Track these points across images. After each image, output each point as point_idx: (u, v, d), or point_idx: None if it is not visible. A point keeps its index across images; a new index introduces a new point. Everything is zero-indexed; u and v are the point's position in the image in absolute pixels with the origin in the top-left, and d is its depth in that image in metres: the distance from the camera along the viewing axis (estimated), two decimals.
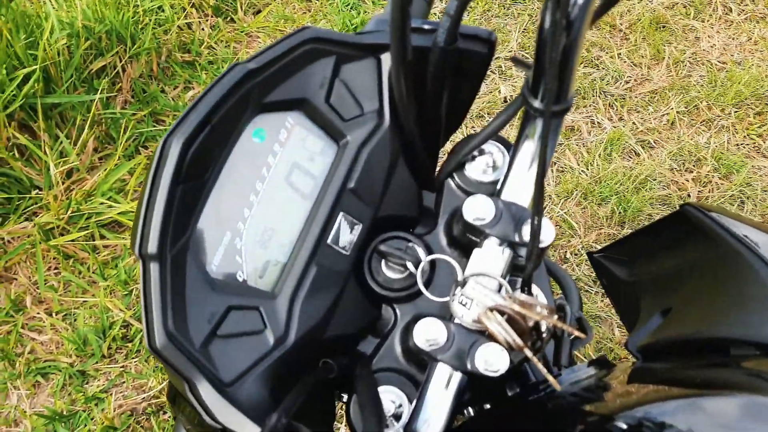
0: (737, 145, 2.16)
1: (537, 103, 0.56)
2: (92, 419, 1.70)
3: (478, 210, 0.56)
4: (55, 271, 1.96)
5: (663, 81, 2.30)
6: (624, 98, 2.28)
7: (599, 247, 1.94)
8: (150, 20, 2.42)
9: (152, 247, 0.52)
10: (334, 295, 0.59)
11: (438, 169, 0.67)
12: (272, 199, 0.59)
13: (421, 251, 0.61)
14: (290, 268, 0.58)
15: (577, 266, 1.94)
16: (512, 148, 0.61)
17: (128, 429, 1.70)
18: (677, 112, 2.21)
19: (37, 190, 2.04)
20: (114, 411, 1.71)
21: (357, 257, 0.61)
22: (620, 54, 2.37)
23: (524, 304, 0.54)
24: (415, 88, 0.59)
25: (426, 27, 0.59)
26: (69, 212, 1.97)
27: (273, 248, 0.59)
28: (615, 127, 2.18)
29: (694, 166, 2.11)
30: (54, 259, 1.96)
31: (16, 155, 2.06)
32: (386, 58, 0.61)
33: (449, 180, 0.65)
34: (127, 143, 2.18)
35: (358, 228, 0.61)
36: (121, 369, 1.78)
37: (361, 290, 0.62)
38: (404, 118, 0.60)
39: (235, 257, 0.58)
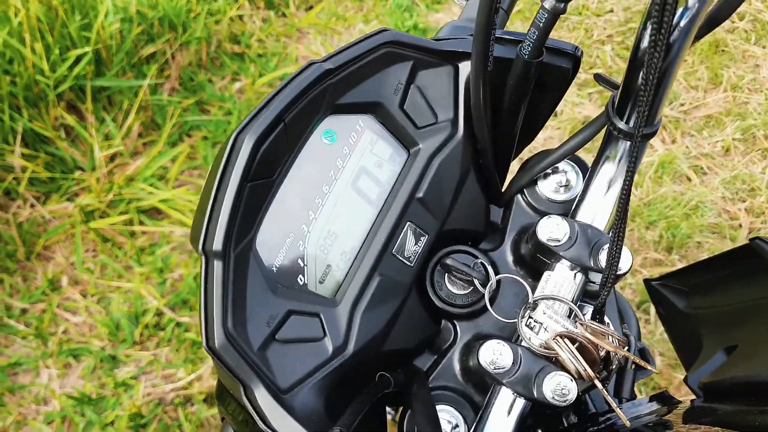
0: None
1: (622, 124, 0.54)
2: (120, 405, 1.70)
3: (553, 231, 0.54)
4: (93, 253, 1.96)
5: (719, 106, 2.24)
6: (678, 121, 2.23)
7: (645, 272, 1.89)
8: (202, 9, 2.42)
9: (217, 244, 0.50)
10: (396, 307, 0.57)
11: (507, 184, 0.64)
12: (337, 203, 0.57)
13: (490, 269, 0.58)
14: (352, 276, 0.56)
15: (620, 289, 1.89)
16: (590, 169, 0.58)
17: (155, 418, 1.69)
18: (733, 138, 2.15)
19: (80, 171, 2.05)
20: (142, 398, 1.70)
21: (420, 269, 0.59)
22: (678, 75, 2.31)
23: (597, 333, 0.51)
24: (493, 100, 0.57)
25: (511, 38, 0.57)
26: (110, 196, 1.98)
27: (335, 254, 0.57)
28: (668, 150, 2.13)
29: (747, 195, 2.06)
30: (92, 241, 1.97)
31: (62, 135, 2.07)
32: (464, 67, 0.59)
33: (519, 196, 0.63)
34: (172, 131, 2.18)
35: (424, 239, 0.59)
36: (152, 357, 1.78)
37: (422, 304, 0.59)
38: (479, 130, 0.58)
39: (297, 260, 0.56)
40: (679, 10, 0.47)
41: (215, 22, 2.46)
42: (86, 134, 2.06)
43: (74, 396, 1.71)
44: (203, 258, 0.51)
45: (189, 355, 1.78)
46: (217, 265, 0.50)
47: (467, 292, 0.59)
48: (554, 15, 0.49)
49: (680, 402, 0.66)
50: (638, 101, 0.52)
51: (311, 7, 2.61)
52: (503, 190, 0.63)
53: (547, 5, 0.49)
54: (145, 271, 1.91)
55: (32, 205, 1.99)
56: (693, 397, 0.73)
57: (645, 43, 0.50)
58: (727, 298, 0.79)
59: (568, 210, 0.62)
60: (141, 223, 1.99)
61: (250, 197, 0.51)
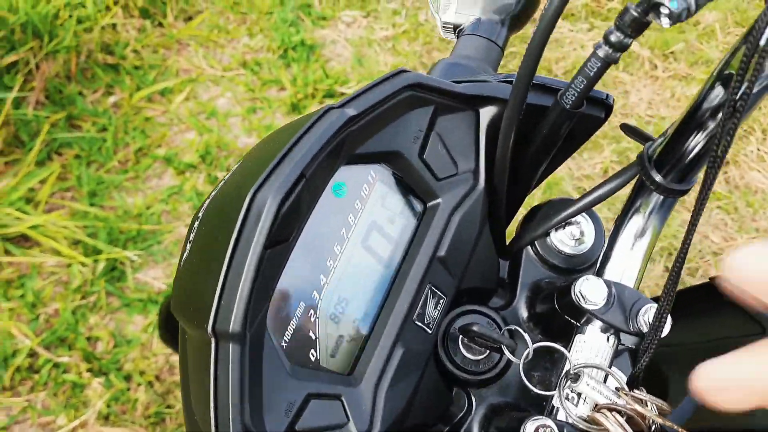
0: None
1: (659, 178, 0.51)
2: None
3: (591, 294, 0.51)
4: None
5: (613, 107, 2.35)
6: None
7: None
8: (70, 16, 2.22)
9: (235, 325, 0.42)
10: (417, 379, 0.52)
11: (515, 234, 0.61)
12: (348, 264, 0.51)
13: (526, 336, 0.53)
14: (372, 348, 0.50)
15: None
16: (616, 222, 0.56)
17: None
18: (611, 161, 2.26)
19: None
20: None
21: (436, 335, 0.54)
22: None
23: (640, 402, 0.48)
24: (516, 149, 0.53)
25: (549, 84, 0.53)
26: None
27: (347, 322, 0.51)
28: (553, 174, 2.20)
29: None
30: None
31: None
32: (485, 113, 0.55)
33: (528, 248, 0.59)
34: (40, 148, 1.97)
35: (443, 302, 0.53)
36: (26, 403, 1.59)
37: (439, 372, 0.54)
38: (499, 181, 0.54)
39: (308, 333, 0.49)
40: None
41: (85, 30, 2.26)
42: None
43: None
44: (213, 340, 0.43)
45: (70, 399, 1.61)
46: (234, 350, 0.42)
47: (482, 357, 0.55)
48: (607, 64, 0.46)
49: None
50: (686, 157, 0.50)
51: (190, 18, 2.47)
52: (510, 241, 0.60)
53: (600, 53, 0.45)
54: (14, 306, 1.71)
55: None
56: None
57: (710, 104, 0.48)
58: (690, 336, 0.79)
59: (579, 264, 0.59)
60: (7, 252, 1.78)
61: (267, 266, 0.44)
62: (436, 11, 0.72)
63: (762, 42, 0.38)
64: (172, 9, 2.44)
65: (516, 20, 0.71)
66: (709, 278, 0.78)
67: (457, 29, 0.71)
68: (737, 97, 0.41)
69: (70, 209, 1.89)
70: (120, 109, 2.15)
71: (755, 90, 0.45)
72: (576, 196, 2.17)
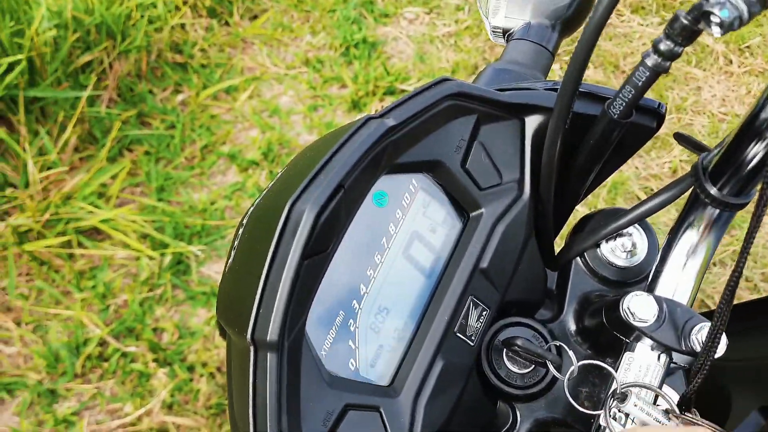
0: None
1: (715, 191, 0.50)
2: None
3: (642, 310, 0.49)
4: (27, 277, 1.82)
5: (666, 128, 2.28)
6: None
7: None
8: (142, 16, 2.29)
9: (273, 334, 0.43)
10: (458, 392, 0.52)
11: (563, 245, 0.60)
12: (389, 273, 0.51)
13: (571, 353, 0.53)
14: (412, 359, 0.50)
15: None
16: (668, 236, 0.54)
17: None
18: (680, 160, 2.20)
19: (11, 189, 1.90)
20: None
21: (479, 348, 0.54)
22: None
23: (689, 425, 0.47)
24: (563, 158, 0.53)
25: (597, 93, 0.52)
26: (46, 215, 1.84)
27: (386, 332, 0.51)
28: (619, 171, 2.15)
29: None
30: (26, 265, 1.82)
31: None
32: (531, 121, 0.54)
33: (578, 259, 0.59)
34: (111, 145, 2.05)
35: (486, 314, 0.53)
36: (96, 390, 1.66)
37: (481, 386, 0.54)
38: (545, 191, 0.53)
39: (347, 341, 0.49)
40: None
41: (155, 30, 2.33)
42: (18, 148, 1.91)
43: None
44: (252, 348, 0.44)
45: (137, 387, 1.67)
46: (271, 359, 0.44)
47: (528, 371, 0.54)
48: (656, 74, 0.45)
49: None
50: (744, 169, 0.48)
51: (256, 17, 2.52)
52: (558, 252, 0.59)
53: (649, 62, 0.44)
54: (86, 297, 1.78)
55: None
56: None
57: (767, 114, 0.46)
58: (755, 351, 0.76)
59: (631, 277, 0.58)
60: (80, 245, 1.86)
61: (305, 276, 0.45)
62: (485, 15, 0.71)
63: None
64: (238, 8, 2.49)
65: (567, 24, 0.69)
66: None
67: (506, 33, 0.71)
68: None
69: (139, 204, 1.96)
70: (187, 106, 2.21)
71: None
72: (643, 196, 2.12)
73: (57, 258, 1.82)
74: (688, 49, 2.51)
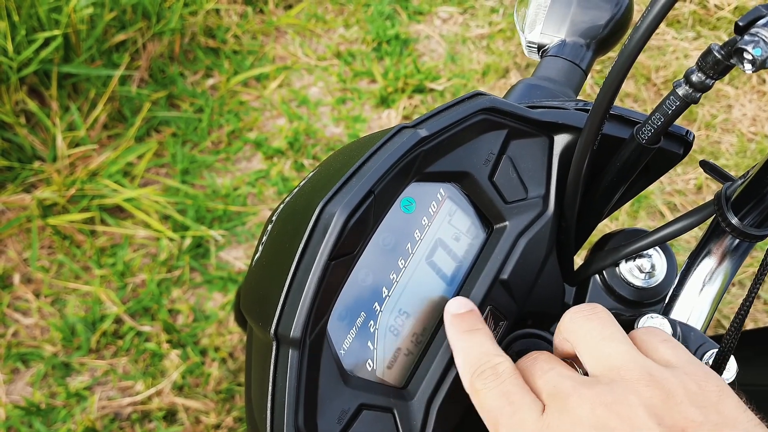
0: None
1: (736, 221, 0.50)
2: (72, 418, 1.60)
3: None
4: (49, 250, 1.85)
5: (694, 144, 2.27)
6: None
7: None
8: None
9: (296, 331, 0.44)
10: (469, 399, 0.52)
11: (584, 261, 0.60)
12: (411, 278, 0.52)
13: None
14: (428, 364, 0.51)
15: None
16: (688, 261, 0.54)
17: None
18: (705, 177, 2.18)
19: (39, 162, 1.93)
20: (96, 412, 1.60)
21: None
22: (652, 109, 2.33)
23: None
24: (589, 178, 0.53)
25: (627, 117, 0.53)
26: (72, 190, 1.86)
27: (405, 335, 0.52)
28: None
29: None
30: (49, 237, 1.85)
31: (22, 122, 1.94)
32: (560, 140, 0.54)
33: (596, 276, 0.59)
34: (140, 124, 2.07)
35: (503, 324, 0.54)
36: (109, 366, 1.68)
37: None
38: (569, 208, 0.54)
39: (366, 342, 0.50)
40: None
41: (190, 13, 2.35)
42: (49, 122, 1.94)
43: (21, 405, 1.60)
44: (274, 343, 0.45)
45: (149, 367, 1.69)
46: (293, 355, 0.44)
47: None
48: (686, 104, 0.45)
49: None
50: (766, 201, 0.48)
51: (290, 6, 2.53)
52: (577, 268, 0.59)
53: (680, 92, 0.44)
54: (105, 273, 1.80)
55: None
56: None
57: None
58: (765, 377, 0.76)
59: (648, 298, 0.58)
60: (103, 221, 1.88)
61: (331, 276, 0.46)
62: (521, 29, 0.71)
63: None
64: None
65: (602, 44, 0.70)
66: None
67: (541, 49, 0.71)
68: None
69: (163, 185, 1.98)
70: (217, 91, 2.23)
71: None
72: (666, 211, 2.11)
73: (79, 233, 1.85)
74: None
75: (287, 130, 2.15)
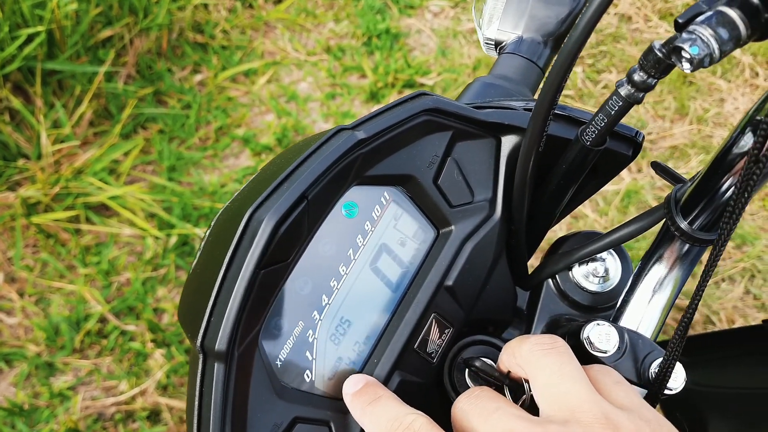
0: (752, 215, 2.11)
1: (685, 225, 0.48)
2: (55, 418, 1.58)
3: (602, 341, 0.48)
4: (33, 249, 1.83)
5: (685, 137, 2.24)
6: (645, 150, 2.22)
7: None
8: None
9: (221, 343, 0.42)
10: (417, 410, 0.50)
11: (537, 265, 0.58)
12: (354, 285, 0.50)
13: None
14: (369, 374, 0.49)
15: None
16: (638, 267, 0.52)
17: None
18: (696, 172, 2.15)
19: (24, 160, 1.91)
20: (80, 412, 1.59)
21: (440, 366, 0.53)
22: (645, 103, 2.31)
23: None
24: (537, 180, 0.51)
25: (572, 116, 0.51)
26: (56, 188, 1.85)
27: (347, 345, 0.50)
28: (633, 179, 2.12)
29: None
30: (33, 236, 1.83)
31: (6, 119, 1.92)
32: (507, 141, 0.52)
33: (549, 281, 0.57)
34: (126, 121, 2.05)
35: (448, 332, 0.52)
36: (93, 366, 1.67)
37: (441, 405, 0.53)
38: (517, 211, 0.52)
39: (305, 353, 0.48)
40: None
41: (178, 8, 2.33)
42: (33, 120, 1.92)
43: (4, 406, 1.58)
44: (201, 355, 0.43)
45: (133, 366, 1.68)
46: (218, 368, 0.43)
47: None
48: (629, 104, 0.43)
49: None
50: (713, 204, 0.47)
51: (280, 1, 2.51)
52: (531, 272, 0.57)
53: (622, 92, 0.42)
54: (90, 272, 1.79)
55: None
56: None
57: (739, 149, 0.44)
58: (737, 380, 0.74)
59: (602, 303, 0.56)
60: (88, 220, 1.86)
61: (261, 286, 0.44)
62: (479, 26, 0.69)
63: None
64: None
65: (559, 41, 0.67)
66: (763, 321, 0.73)
67: (498, 46, 0.69)
68: (764, 147, 0.38)
69: (149, 182, 1.96)
70: (205, 87, 2.21)
71: None
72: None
73: (64, 232, 1.84)
74: None
75: (276, 126, 2.13)
